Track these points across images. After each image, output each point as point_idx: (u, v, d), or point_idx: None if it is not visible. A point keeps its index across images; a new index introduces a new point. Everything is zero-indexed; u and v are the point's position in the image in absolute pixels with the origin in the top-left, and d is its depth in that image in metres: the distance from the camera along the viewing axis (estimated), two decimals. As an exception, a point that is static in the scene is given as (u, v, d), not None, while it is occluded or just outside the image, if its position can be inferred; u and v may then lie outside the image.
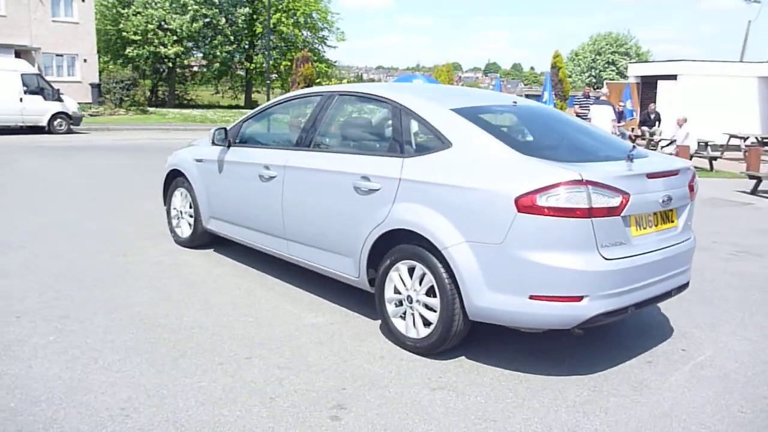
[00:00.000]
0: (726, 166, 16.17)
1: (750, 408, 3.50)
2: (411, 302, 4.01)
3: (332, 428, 3.12)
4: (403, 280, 4.06)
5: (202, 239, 6.12)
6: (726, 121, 19.11)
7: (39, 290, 4.87)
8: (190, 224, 6.15)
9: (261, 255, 5.59)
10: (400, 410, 3.32)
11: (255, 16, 38.95)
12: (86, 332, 4.12)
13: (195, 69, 41.51)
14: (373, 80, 68.67)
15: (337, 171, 4.43)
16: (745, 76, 21.67)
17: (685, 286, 4.19)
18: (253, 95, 42.93)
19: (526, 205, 3.44)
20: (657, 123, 17.57)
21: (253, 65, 40.24)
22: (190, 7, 33.72)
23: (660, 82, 21.27)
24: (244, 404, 3.31)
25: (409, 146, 4.12)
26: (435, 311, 3.88)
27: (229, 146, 5.51)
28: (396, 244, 4.07)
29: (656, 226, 3.86)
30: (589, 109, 16.82)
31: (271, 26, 38.31)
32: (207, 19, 35.31)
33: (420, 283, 3.96)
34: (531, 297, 3.51)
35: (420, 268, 3.93)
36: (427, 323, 3.95)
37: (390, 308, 4.16)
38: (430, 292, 3.91)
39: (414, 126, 4.18)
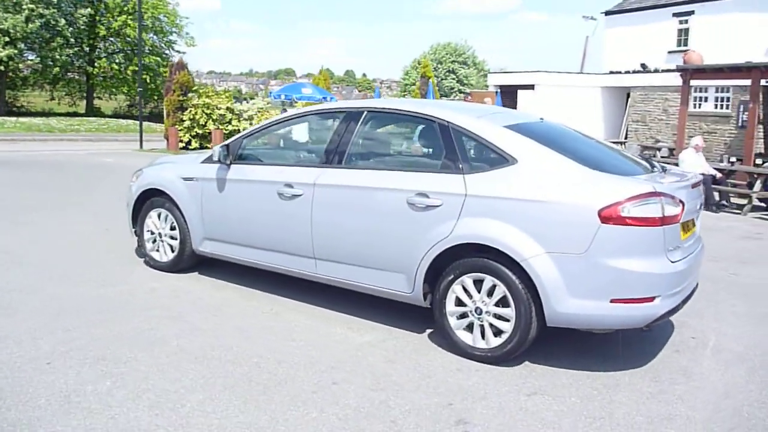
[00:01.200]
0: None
1: (788, 383, 4.06)
2: (480, 314, 4.13)
3: (477, 443, 3.18)
4: (468, 293, 4.17)
5: (188, 263, 5.76)
6: (576, 126, 21.07)
7: (47, 331, 4.33)
8: (172, 247, 5.75)
9: (254, 275, 5.47)
10: (517, 418, 3.45)
11: (97, 18, 36.28)
12: (142, 373, 3.77)
13: (26, 73, 37.72)
14: (206, 85, 66.03)
15: (386, 188, 4.43)
16: (590, 86, 24.08)
17: (697, 286, 4.68)
18: (95, 102, 39.89)
19: (609, 216, 3.73)
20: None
21: (95, 70, 37.41)
22: (24, 6, 30.62)
23: (520, 92, 22.98)
24: (363, 428, 3.26)
25: (467, 163, 4.24)
26: (507, 320, 4.04)
27: (229, 164, 5.26)
28: (458, 259, 4.17)
29: (688, 231, 4.33)
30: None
31: (116, 29, 35.96)
32: (44, 20, 32.28)
33: (489, 295, 4.10)
34: (612, 300, 3.80)
35: (490, 280, 4.07)
36: (497, 333, 4.10)
37: (453, 321, 4.25)
38: (499, 303, 4.07)
39: (469, 143, 4.31)
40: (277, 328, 4.62)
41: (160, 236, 5.84)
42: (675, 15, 23.71)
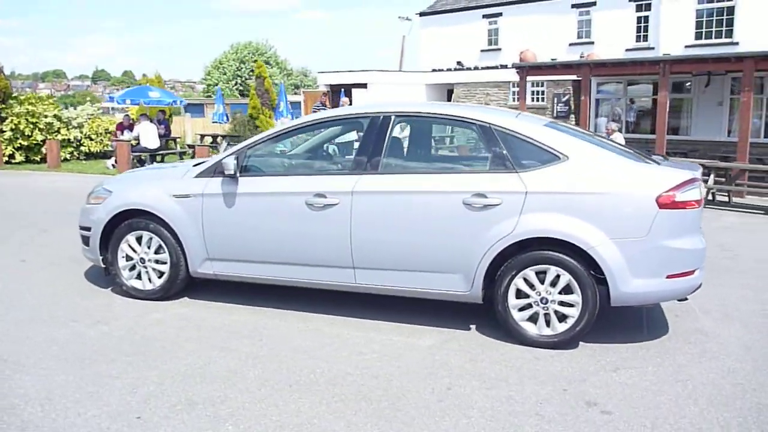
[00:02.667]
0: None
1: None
2: (546, 303, 4.39)
3: (603, 421, 3.44)
4: (531, 285, 4.40)
5: (179, 287, 5.25)
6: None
7: (93, 381, 3.74)
8: (159, 272, 5.20)
9: (250, 292, 5.29)
10: (627, 393, 3.76)
11: None
12: (253, 411, 3.46)
13: None
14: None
15: (439, 191, 4.48)
16: (416, 83, 25.44)
17: None
18: None
19: (665, 202, 4.19)
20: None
21: None
22: None
23: (354, 90, 23.56)
24: (518, 424, 3.36)
25: (517, 162, 4.45)
26: (572, 306, 4.35)
27: (225, 177, 4.90)
28: (519, 254, 4.38)
29: None
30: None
31: None
32: None
33: (552, 285, 4.37)
34: (667, 276, 4.28)
35: (554, 270, 4.34)
36: (562, 319, 4.39)
37: (516, 314, 4.45)
38: (563, 291, 4.36)
39: (514, 143, 4.51)
40: (335, 343, 4.45)
41: (143, 261, 5.23)
42: (485, 17, 25.90)
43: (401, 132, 4.82)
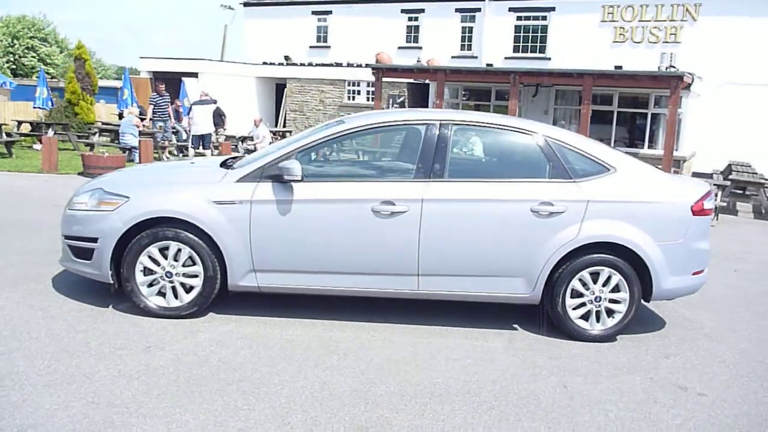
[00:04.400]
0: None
1: None
2: (599, 301, 4.84)
3: (707, 402, 4.00)
4: (585, 285, 4.82)
5: (210, 303, 4.78)
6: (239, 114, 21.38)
7: (223, 417, 3.34)
8: (189, 287, 4.68)
9: (293, 304, 5.06)
10: (700, 373, 4.36)
11: None
12: (427, 428, 3.40)
13: None
14: None
15: (509, 199, 4.69)
16: (247, 75, 24.73)
17: None
18: None
19: (697, 209, 4.88)
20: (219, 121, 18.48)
21: None
22: None
23: (186, 80, 22.19)
24: (652, 412, 3.76)
25: (574, 172, 4.82)
26: (619, 302, 4.85)
27: (282, 182, 4.62)
28: (578, 257, 4.77)
29: None
30: (162, 108, 16.69)
31: None
32: None
33: (604, 285, 4.83)
34: (693, 273, 4.98)
35: (607, 272, 4.80)
36: (610, 314, 4.88)
37: (571, 312, 4.84)
38: (613, 290, 4.84)
39: (568, 154, 4.87)
40: (421, 352, 4.42)
41: (168, 276, 4.66)
42: (314, 13, 26.02)
43: (461, 139, 4.91)
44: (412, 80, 21.36)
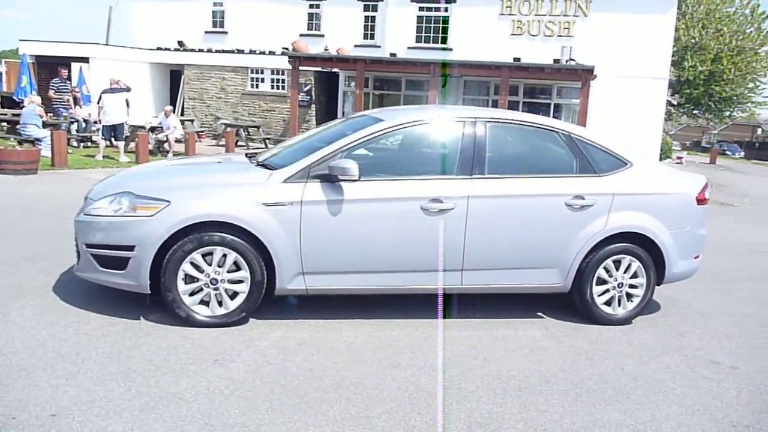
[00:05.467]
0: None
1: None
2: (621, 287, 5.19)
3: (740, 374, 4.47)
4: (608, 273, 5.15)
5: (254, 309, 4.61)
6: (140, 104, 20.17)
7: None
8: (233, 293, 4.48)
9: (320, 302, 4.99)
10: (721, 348, 4.83)
11: None
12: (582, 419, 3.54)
13: None
14: None
15: (544, 194, 4.90)
16: (140, 61, 23.31)
17: None
18: None
19: (700, 199, 5.35)
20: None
21: None
22: None
23: (75, 65, 20.57)
24: (712, 388, 4.13)
25: (598, 167, 5.11)
26: (637, 287, 5.24)
27: (334, 182, 4.55)
28: (604, 247, 5.08)
29: None
30: (64, 95, 15.49)
31: None
32: None
33: (625, 271, 5.19)
34: (694, 257, 5.47)
35: (628, 259, 5.16)
36: (629, 298, 5.25)
37: (598, 299, 5.16)
38: (633, 276, 5.21)
39: (593, 150, 5.16)
40: (490, 346, 4.52)
41: (213, 282, 4.43)
42: (209, -3, 24.91)
43: (497, 137, 5.03)
44: (319, 69, 21.16)
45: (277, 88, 22.84)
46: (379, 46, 23.40)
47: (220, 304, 4.48)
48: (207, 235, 4.36)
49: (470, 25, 22.29)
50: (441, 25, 22.82)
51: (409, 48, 22.92)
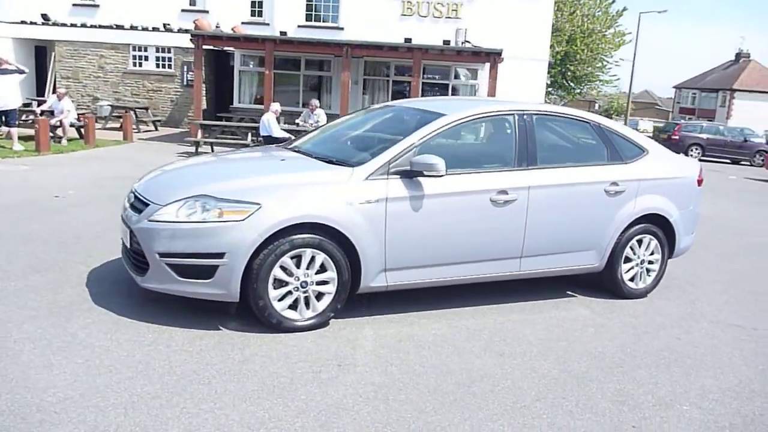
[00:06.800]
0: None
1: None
2: (642, 264, 5.71)
3: (760, 334, 5.18)
4: (633, 251, 5.64)
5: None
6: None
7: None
8: (317, 294, 4.40)
9: (385, 297, 5.04)
10: (734, 314, 5.51)
11: None
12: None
13: None
14: None
15: (588, 182, 5.24)
16: (2, 36, 20.87)
17: None
18: None
19: (699, 181, 6.00)
20: None
21: None
22: None
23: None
24: (752, 348, 4.75)
25: (624, 155, 5.55)
26: (654, 263, 5.79)
27: (413, 177, 4.59)
28: (629, 229, 5.55)
29: None
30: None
31: None
32: None
33: (646, 249, 5.71)
34: (691, 233, 6.13)
35: (648, 238, 5.68)
36: (648, 273, 5.79)
37: (625, 276, 5.64)
38: (652, 253, 5.74)
39: (618, 140, 5.58)
40: (545, 328, 4.82)
41: (304, 286, 4.30)
42: (75, -35, 22.73)
43: (542, 129, 5.26)
44: (212, 47, 20.20)
45: (163, 66, 21.50)
46: (268, 24, 22.78)
47: (307, 306, 4.37)
48: (300, 237, 4.21)
49: (361, 4, 22.31)
50: (331, 4, 22.64)
51: (299, 26, 22.53)
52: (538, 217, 5.02)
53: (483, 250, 4.90)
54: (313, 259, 4.30)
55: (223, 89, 21.85)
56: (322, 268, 4.36)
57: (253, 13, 23.15)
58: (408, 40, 18.67)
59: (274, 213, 4.14)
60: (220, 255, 4.07)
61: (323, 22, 22.79)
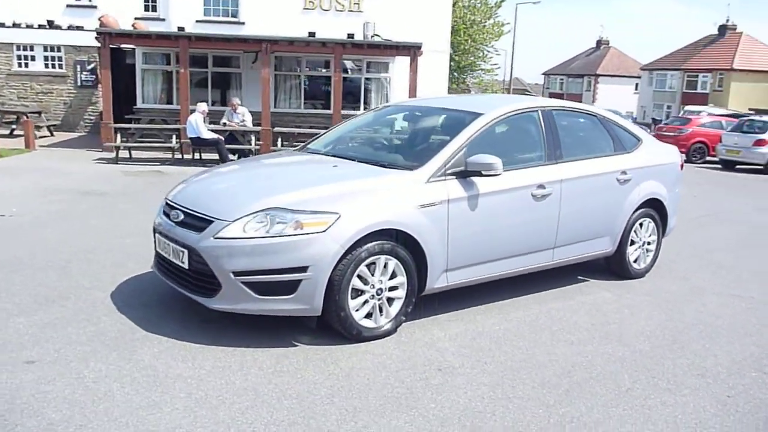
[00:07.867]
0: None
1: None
2: (643, 246, 6.14)
3: (771, 296, 5.77)
4: (636, 234, 6.06)
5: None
6: None
7: None
8: (389, 300, 4.37)
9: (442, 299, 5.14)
10: (717, 282, 6.08)
11: None
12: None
13: None
14: None
15: (604, 172, 5.56)
16: None
17: None
18: None
19: (681, 165, 6.53)
20: None
21: None
22: None
23: None
24: (761, 312, 5.29)
25: (625, 145, 5.94)
26: (651, 244, 6.25)
27: (467, 177, 4.67)
28: (634, 214, 5.95)
29: None
30: None
31: None
32: None
33: (646, 231, 6.15)
34: (676, 213, 6.67)
35: (647, 221, 6.12)
36: (648, 253, 6.24)
37: (631, 257, 6.05)
38: (649, 235, 6.20)
39: (619, 131, 5.95)
40: (588, 312, 5.08)
41: (379, 293, 4.26)
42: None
43: (562, 123, 5.48)
44: (113, 46, 18.89)
45: (53, 67, 19.88)
46: (164, 19, 21.65)
47: (381, 313, 4.33)
48: (376, 244, 4.16)
49: (264, -1, 21.78)
50: (231, -2, 21.91)
51: (197, 21, 21.58)
52: (568, 209, 5.26)
53: (525, 244, 5.07)
54: (385, 265, 4.27)
55: (118, 89, 20.52)
56: (393, 274, 4.34)
57: (146, 8, 21.89)
58: (312, 34, 18.45)
59: (355, 222, 4.06)
60: (304, 269, 3.94)
61: (223, 16, 22.00)
